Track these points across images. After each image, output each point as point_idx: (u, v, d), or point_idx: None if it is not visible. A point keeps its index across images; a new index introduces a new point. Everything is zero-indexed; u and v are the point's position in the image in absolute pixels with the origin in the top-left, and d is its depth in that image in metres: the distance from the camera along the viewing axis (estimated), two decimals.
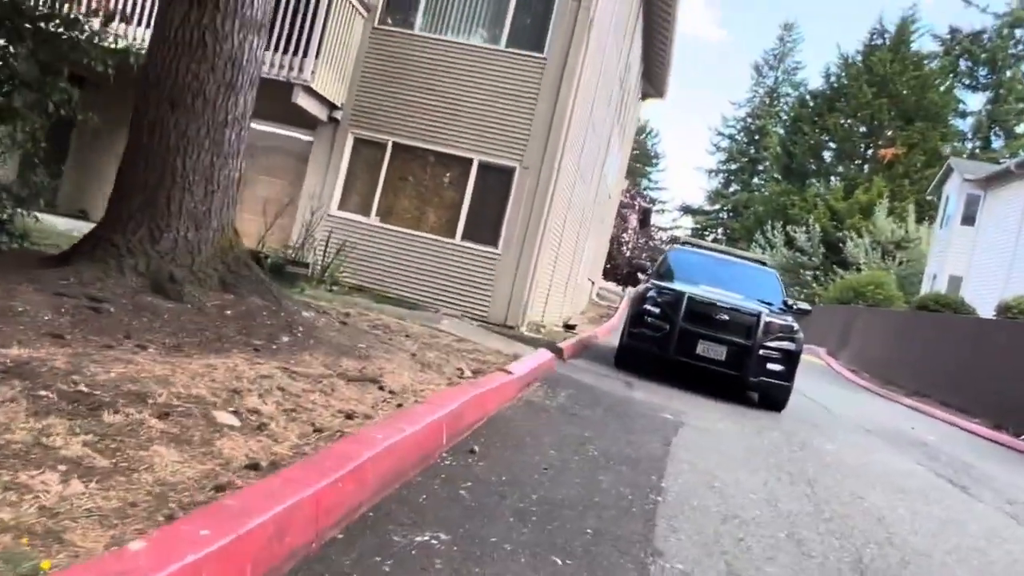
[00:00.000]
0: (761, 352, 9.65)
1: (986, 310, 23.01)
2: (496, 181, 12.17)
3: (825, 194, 42.21)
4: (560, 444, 4.93)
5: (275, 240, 11.90)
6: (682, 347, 9.72)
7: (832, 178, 44.36)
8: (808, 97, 49.18)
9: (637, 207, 46.81)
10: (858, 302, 30.35)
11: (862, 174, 43.53)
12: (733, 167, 71.92)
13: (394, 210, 12.40)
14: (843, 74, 45.78)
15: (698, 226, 75.44)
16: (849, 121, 44.92)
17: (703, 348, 9.67)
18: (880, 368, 23.15)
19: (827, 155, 47.05)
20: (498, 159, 11.99)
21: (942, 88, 43.31)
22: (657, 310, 9.97)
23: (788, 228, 41.12)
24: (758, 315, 9.71)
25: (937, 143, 41.78)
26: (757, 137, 68.37)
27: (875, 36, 45.62)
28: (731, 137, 72.28)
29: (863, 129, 45.02)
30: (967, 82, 52.47)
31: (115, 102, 13.52)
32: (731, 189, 71.14)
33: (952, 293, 25.03)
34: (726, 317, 9.75)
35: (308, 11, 11.18)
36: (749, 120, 70.35)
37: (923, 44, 51.91)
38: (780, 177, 49.70)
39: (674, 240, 13.79)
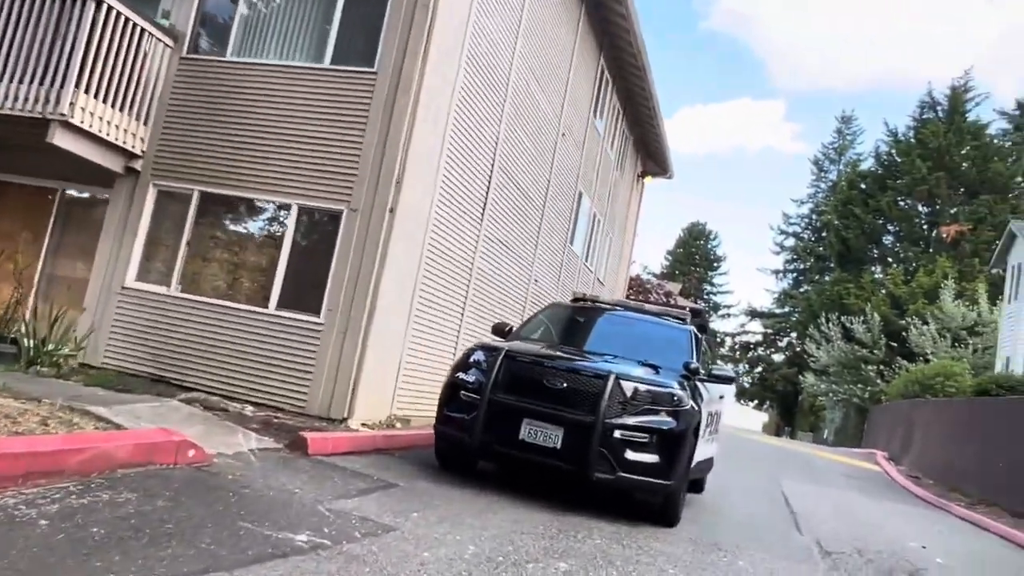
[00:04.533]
0: (616, 434, 6.29)
1: None
2: (320, 231, 9.44)
3: (883, 280, 37.78)
4: None
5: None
6: (495, 431, 6.46)
7: (894, 264, 39.92)
8: (858, 178, 45.36)
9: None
10: (926, 397, 25.80)
11: (926, 256, 39.03)
12: (801, 267, 67.79)
13: (201, 277, 9.72)
14: (893, 151, 42.07)
15: (769, 330, 70.98)
16: (907, 201, 40.79)
17: (529, 431, 6.38)
18: (943, 473, 18.71)
19: (887, 240, 42.74)
20: (322, 202, 9.27)
21: (1011, 159, 39.07)
22: (471, 379, 6.79)
23: (844, 319, 36.67)
24: (606, 376, 6.42)
25: (1008, 216, 37.19)
26: (823, 234, 64.30)
27: (925, 109, 42.06)
28: (795, 235, 68.53)
29: (924, 208, 40.77)
30: None
31: None
32: (801, 290, 66.52)
33: None
34: (562, 383, 6.48)
35: (69, 35, 8.96)
36: (813, 217, 66.62)
37: (981, 114, 47.99)
38: (836, 266, 45.37)
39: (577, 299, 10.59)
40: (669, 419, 6.48)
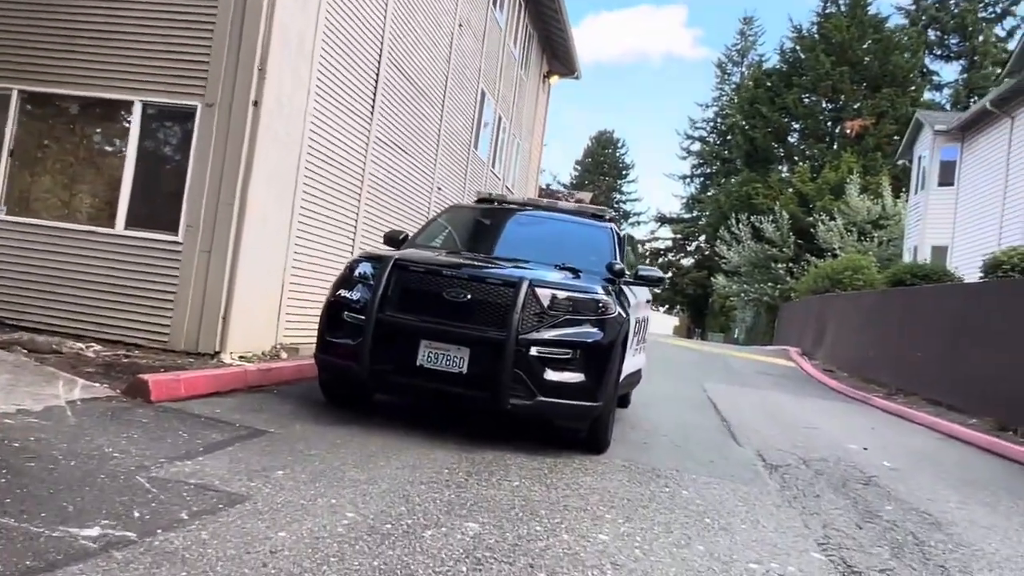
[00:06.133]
0: (533, 352, 5.24)
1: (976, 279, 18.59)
2: (171, 132, 7.92)
3: (790, 178, 37.76)
4: None
5: None
6: (388, 356, 5.33)
7: (800, 162, 39.96)
8: (763, 76, 44.93)
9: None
10: (836, 291, 25.93)
11: (831, 152, 39.13)
12: (708, 171, 68.11)
13: (30, 195, 8.11)
14: (798, 47, 41.65)
15: (678, 235, 71.54)
16: (811, 98, 40.61)
17: (428, 355, 5.26)
18: (857, 365, 18.72)
19: (793, 139, 42.70)
20: (170, 97, 7.72)
21: (907, 53, 39.14)
22: (355, 296, 5.60)
23: (754, 219, 36.63)
24: (517, 283, 5.33)
25: (908, 109, 37.46)
26: (728, 136, 64.42)
27: (828, 3, 41.57)
28: (701, 139, 68.56)
29: (828, 105, 40.72)
30: (939, 52, 48.58)
31: None
32: (709, 193, 66.92)
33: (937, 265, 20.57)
34: (465, 295, 5.35)
35: None
36: (718, 120, 66.57)
37: (882, 8, 47.73)
38: (743, 166, 45.25)
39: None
40: (594, 330, 5.46)
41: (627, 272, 6.59)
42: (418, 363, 5.27)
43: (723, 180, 63.36)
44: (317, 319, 9.22)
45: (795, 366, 21.92)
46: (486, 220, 7.58)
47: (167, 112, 7.81)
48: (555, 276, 5.74)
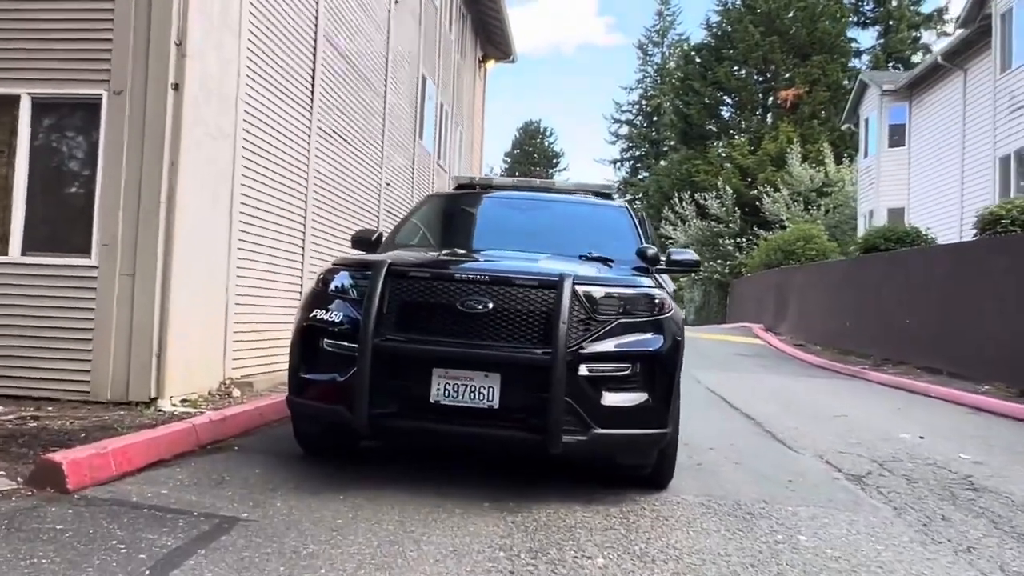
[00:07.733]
0: (583, 371, 3.98)
1: (946, 238, 18.08)
2: (72, 130, 6.39)
3: (730, 152, 37.25)
4: None
5: None
6: (391, 394, 3.99)
7: (736, 135, 39.55)
8: (693, 52, 44.42)
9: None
10: (789, 263, 25.35)
11: (767, 125, 38.81)
12: (638, 153, 67.82)
13: None
14: (724, 20, 41.24)
15: None
16: (743, 70, 40.21)
17: (445, 387, 3.95)
18: (830, 337, 18.01)
19: (726, 113, 42.31)
20: (66, 86, 6.20)
21: (828, 20, 38.99)
22: (338, 318, 4.24)
23: (697, 197, 35.95)
24: (558, 282, 4.04)
25: (839, 75, 37.35)
26: (655, 118, 64.16)
27: None
28: (628, 123, 68.21)
29: (759, 78, 40.38)
30: (855, 19, 48.81)
31: None
32: (640, 176, 66.61)
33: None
34: (486, 303, 4.04)
35: None
36: (644, 103, 66.29)
37: None
38: (679, 144, 44.70)
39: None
40: (652, 335, 4.22)
41: (661, 258, 5.38)
42: (432, 399, 3.95)
43: (653, 162, 63.00)
44: (271, 343, 7.81)
45: (764, 343, 21.17)
46: (474, 209, 6.27)
47: (65, 105, 6.28)
48: (590, 269, 4.50)
